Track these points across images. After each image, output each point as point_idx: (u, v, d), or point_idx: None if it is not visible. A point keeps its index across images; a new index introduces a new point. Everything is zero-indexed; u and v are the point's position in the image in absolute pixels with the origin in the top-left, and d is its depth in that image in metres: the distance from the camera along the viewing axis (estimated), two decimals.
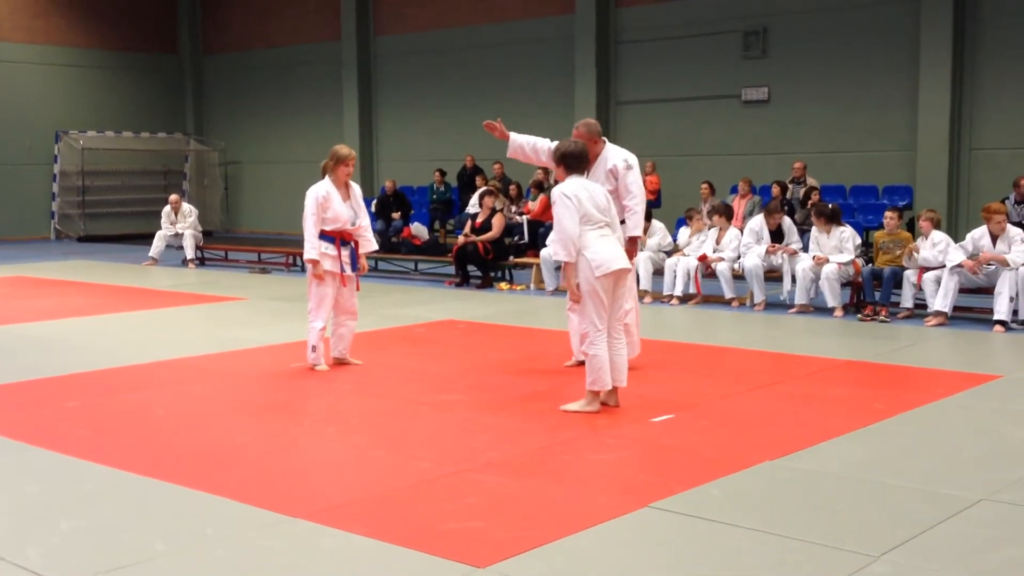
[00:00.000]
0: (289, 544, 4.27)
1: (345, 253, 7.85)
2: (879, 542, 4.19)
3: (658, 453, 5.61)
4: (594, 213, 6.42)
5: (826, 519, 4.52)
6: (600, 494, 4.88)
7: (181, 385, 7.46)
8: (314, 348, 7.83)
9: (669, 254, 12.22)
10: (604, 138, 7.62)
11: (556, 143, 6.84)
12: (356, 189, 8.00)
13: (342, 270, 7.83)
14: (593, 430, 6.03)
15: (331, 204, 7.73)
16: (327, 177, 7.81)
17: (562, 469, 5.31)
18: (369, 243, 8.06)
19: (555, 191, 6.50)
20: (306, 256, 7.75)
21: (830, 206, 11.31)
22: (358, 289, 8.07)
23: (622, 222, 7.57)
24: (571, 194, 6.38)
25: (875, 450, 5.61)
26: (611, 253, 6.42)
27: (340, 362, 8.01)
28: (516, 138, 7.87)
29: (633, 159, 7.61)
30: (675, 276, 11.70)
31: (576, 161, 6.60)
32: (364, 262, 8.13)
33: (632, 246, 7.59)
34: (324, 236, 7.77)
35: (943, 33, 14.78)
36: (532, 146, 7.81)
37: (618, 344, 6.55)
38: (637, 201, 7.50)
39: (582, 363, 7.96)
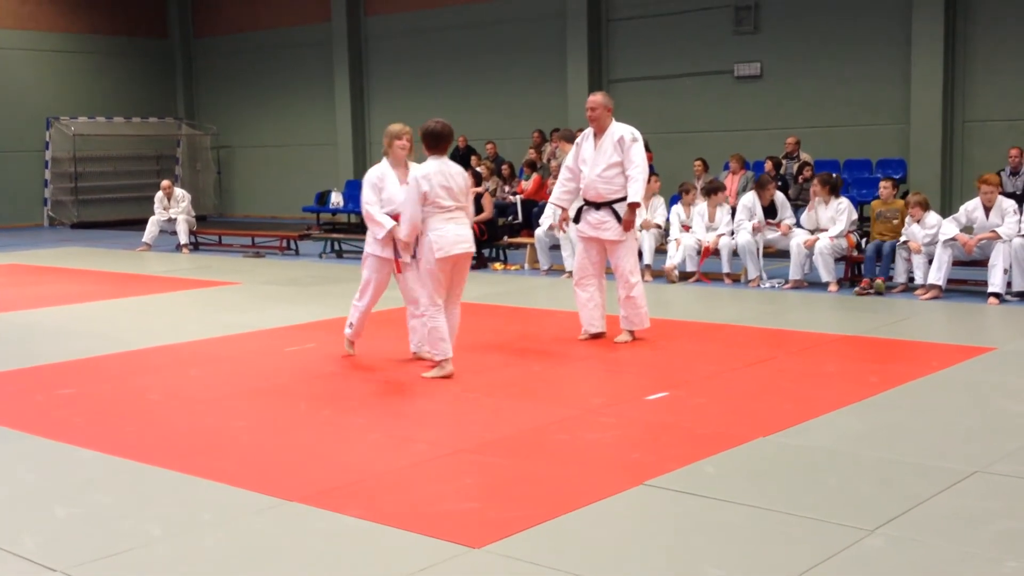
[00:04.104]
0: (284, 527, 4.27)
1: None
2: (873, 516, 4.20)
3: (653, 431, 5.62)
4: (443, 199, 6.76)
5: (820, 494, 4.53)
6: (595, 473, 4.89)
7: (176, 370, 7.45)
8: (351, 325, 7.64)
9: (667, 232, 12.23)
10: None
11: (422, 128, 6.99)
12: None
13: (396, 256, 7.31)
14: (587, 409, 6.04)
15: (386, 185, 7.28)
16: (385, 159, 7.41)
17: (557, 448, 5.31)
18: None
19: (411, 174, 6.83)
20: (381, 235, 7.20)
21: (834, 175, 11.41)
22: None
23: (622, 200, 7.77)
24: (423, 179, 6.71)
25: (869, 424, 5.62)
26: (454, 237, 6.81)
27: (419, 357, 7.43)
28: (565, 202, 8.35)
29: (638, 134, 7.93)
30: (679, 252, 11.71)
31: (435, 140, 6.85)
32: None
33: (631, 213, 7.89)
34: None
35: (935, 5, 14.71)
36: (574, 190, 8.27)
37: (453, 316, 7.11)
38: (639, 171, 7.78)
39: (595, 336, 8.05)
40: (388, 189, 7.29)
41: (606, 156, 7.83)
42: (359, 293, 7.61)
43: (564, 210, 8.34)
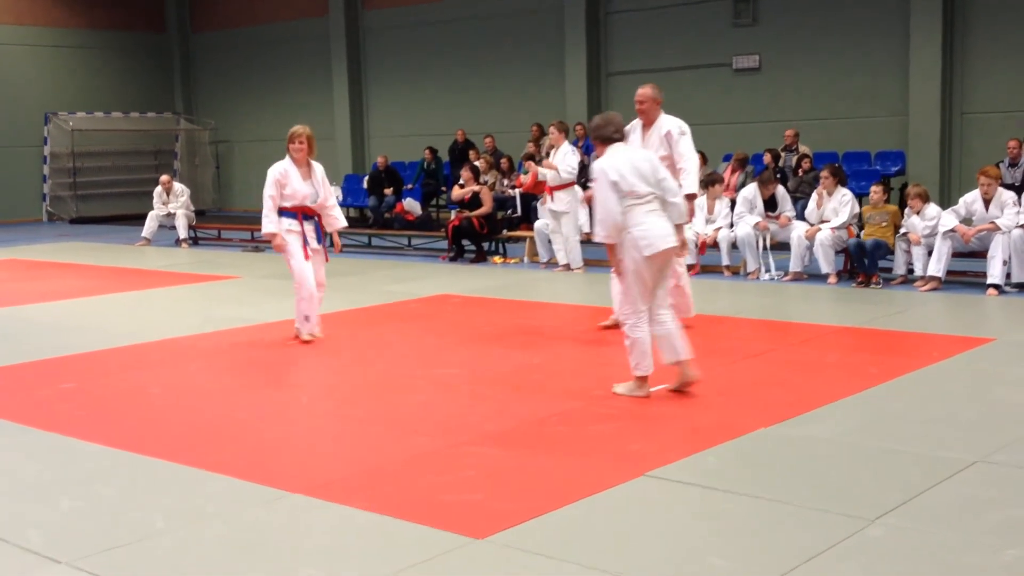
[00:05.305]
0: (287, 519, 4.29)
1: (309, 227, 8.09)
2: (874, 506, 4.21)
3: (654, 422, 5.64)
4: (639, 186, 5.92)
5: (821, 484, 4.54)
6: (597, 464, 4.90)
7: (177, 364, 7.46)
8: (307, 318, 8.04)
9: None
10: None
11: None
12: (319, 168, 8.20)
13: (305, 243, 8.06)
14: (589, 402, 6.05)
15: (289, 181, 7.97)
16: (287, 157, 8.07)
17: (559, 440, 5.33)
18: (335, 220, 8.28)
19: (594, 166, 6.14)
20: (263, 231, 8.08)
21: (837, 166, 11.48)
22: (327, 261, 8.36)
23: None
24: (610, 168, 5.92)
25: (870, 415, 5.64)
26: (660, 230, 5.94)
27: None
28: None
29: (686, 127, 7.76)
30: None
31: (602, 132, 6.13)
32: (337, 240, 8.38)
33: (688, 202, 7.59)
34: (286, 212, 8.03)
35: None
36: None
37: (666, 320, 6.11)
38: (690, 163, 7.67)
39: (617, 326, 8.01)
40: (292, 184, 7.99)
41: (652, 149, 7.63)
42: (299, 286, 8.04)
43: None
